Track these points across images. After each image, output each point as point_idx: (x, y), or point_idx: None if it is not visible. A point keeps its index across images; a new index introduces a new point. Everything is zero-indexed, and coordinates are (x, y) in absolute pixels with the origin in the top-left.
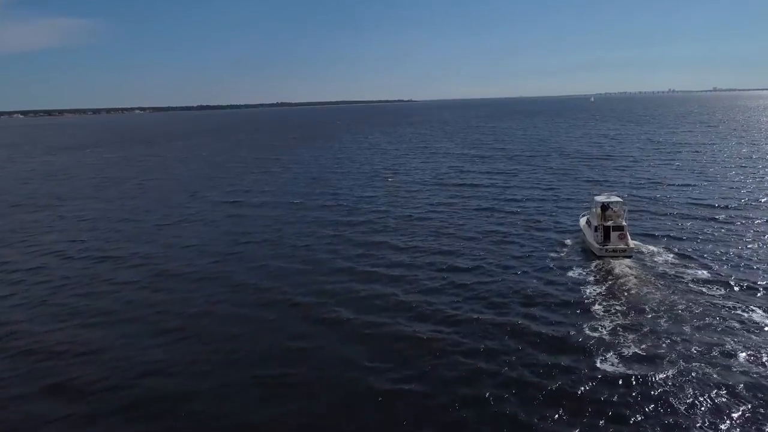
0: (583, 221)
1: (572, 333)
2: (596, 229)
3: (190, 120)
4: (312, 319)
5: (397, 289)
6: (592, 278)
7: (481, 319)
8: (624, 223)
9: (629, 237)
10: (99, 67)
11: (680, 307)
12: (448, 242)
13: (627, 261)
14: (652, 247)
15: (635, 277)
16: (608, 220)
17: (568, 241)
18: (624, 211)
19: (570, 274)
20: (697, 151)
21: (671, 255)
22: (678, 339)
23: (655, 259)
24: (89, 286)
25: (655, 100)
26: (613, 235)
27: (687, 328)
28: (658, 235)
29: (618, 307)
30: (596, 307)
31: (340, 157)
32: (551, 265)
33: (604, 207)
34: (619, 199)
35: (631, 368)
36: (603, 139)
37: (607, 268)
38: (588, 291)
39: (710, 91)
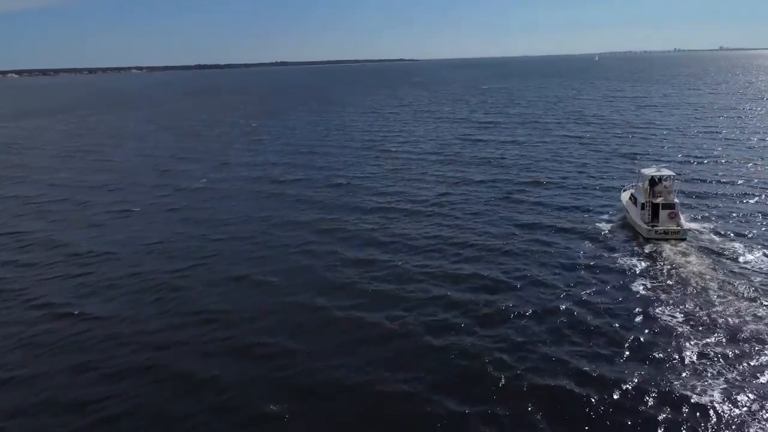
0: (625, 196)
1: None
2: (643, 206)
3: (186, 80)
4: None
5: (398, 344)
6: (646, 272)
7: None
8: (676, 201)
9: (681, 216)
10: (97, 26)
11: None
12: (465, 252)
13: (681, 245)
14: (706, 229)
15: (699, 270)
16: (657, 197)
17: (609, 223)
18: (676, 186)
19: (625, 280)
20: (732, 117)
21: (731, 239)
22: None
23: (715, 245)
24: None
25: (662, 59)
26: (663, 213)
27: None
28: (711, 215)
29: (689, 318)
30: (680, 331)
31: (337, 124)
32: (596, 253)
33: (653, 181)
34: (671, 173)
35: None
36: (623, 101)
37: (660, 255)
38: (656, 304)
39: (717, 50)
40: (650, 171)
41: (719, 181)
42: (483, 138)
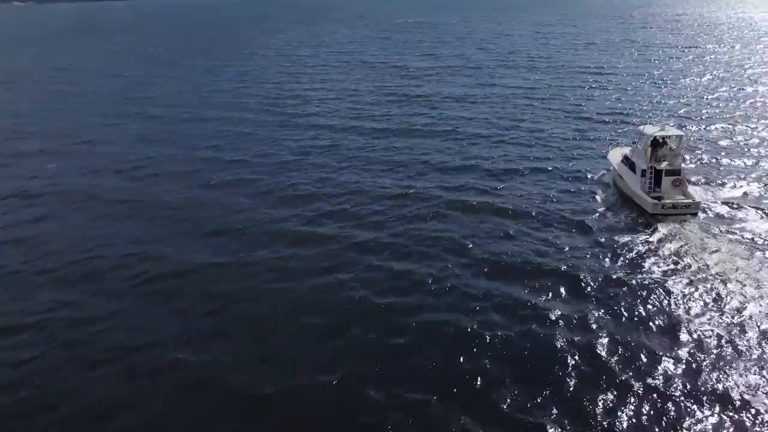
0: (615, 157)
1: None
2: (644, 173)
3: (69, 16)
4: None
5: None
6: (658, 260)
7: None
8: (682, 165)
9: (687, 185)
10: None
11: None
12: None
13: (693, 223)
14: (716, 200)
15: (722, 257)
16: (661, 161)
17: (599, 199)
18: (682, 148)
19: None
20: (694, 59)
21: (748, 211)
22: None
23: (730, 221)
24: None
25: None
26: (666, 181)
27: None
28: (718, 182)
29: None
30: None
31: (240, 74)
32: (592, 239)
33: (656, 142)
34: (679, 132)
35: None
36: (560, 39)
37: (669, 234)
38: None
39: None
40: (653, 129)
41: (717, 142)
42: (416, 93)
